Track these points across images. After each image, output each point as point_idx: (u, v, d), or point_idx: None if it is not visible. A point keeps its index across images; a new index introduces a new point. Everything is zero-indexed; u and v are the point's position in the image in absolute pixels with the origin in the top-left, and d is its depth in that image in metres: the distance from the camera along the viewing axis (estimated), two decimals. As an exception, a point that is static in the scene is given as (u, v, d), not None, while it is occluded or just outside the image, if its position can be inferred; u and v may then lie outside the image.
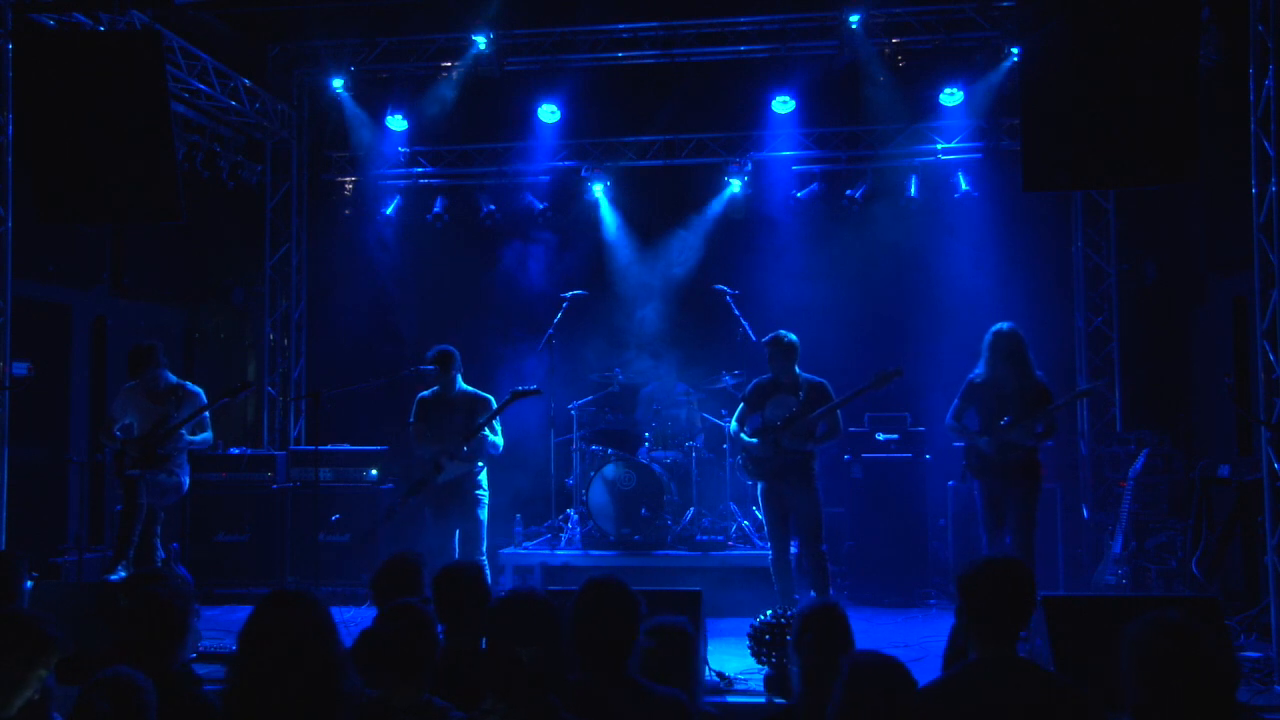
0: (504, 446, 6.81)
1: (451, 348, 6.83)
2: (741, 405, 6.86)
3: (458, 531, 6.73)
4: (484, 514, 6.77)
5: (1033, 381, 6.34)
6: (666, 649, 3.39)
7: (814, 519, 6.61)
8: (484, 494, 6.78)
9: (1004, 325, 6.39)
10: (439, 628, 3.40)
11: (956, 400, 6.51)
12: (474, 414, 6.67)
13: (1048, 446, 6.48)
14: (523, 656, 2.78)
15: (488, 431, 6.62)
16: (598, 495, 7.95)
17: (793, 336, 6.67)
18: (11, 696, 3.00)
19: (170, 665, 3.34)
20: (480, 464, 6.72)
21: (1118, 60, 5.70)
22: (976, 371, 6.45)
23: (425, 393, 6.90)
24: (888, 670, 2.73)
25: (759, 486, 6.80)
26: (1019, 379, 6.31)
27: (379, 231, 10.18)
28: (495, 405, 6.71)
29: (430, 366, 6.95)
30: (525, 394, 6.66)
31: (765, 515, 6.82)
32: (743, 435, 6.73)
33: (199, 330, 10.41)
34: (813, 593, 6.67)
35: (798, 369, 6.68)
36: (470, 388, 6.89)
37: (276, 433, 10.00)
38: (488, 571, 6.82)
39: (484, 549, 6.83)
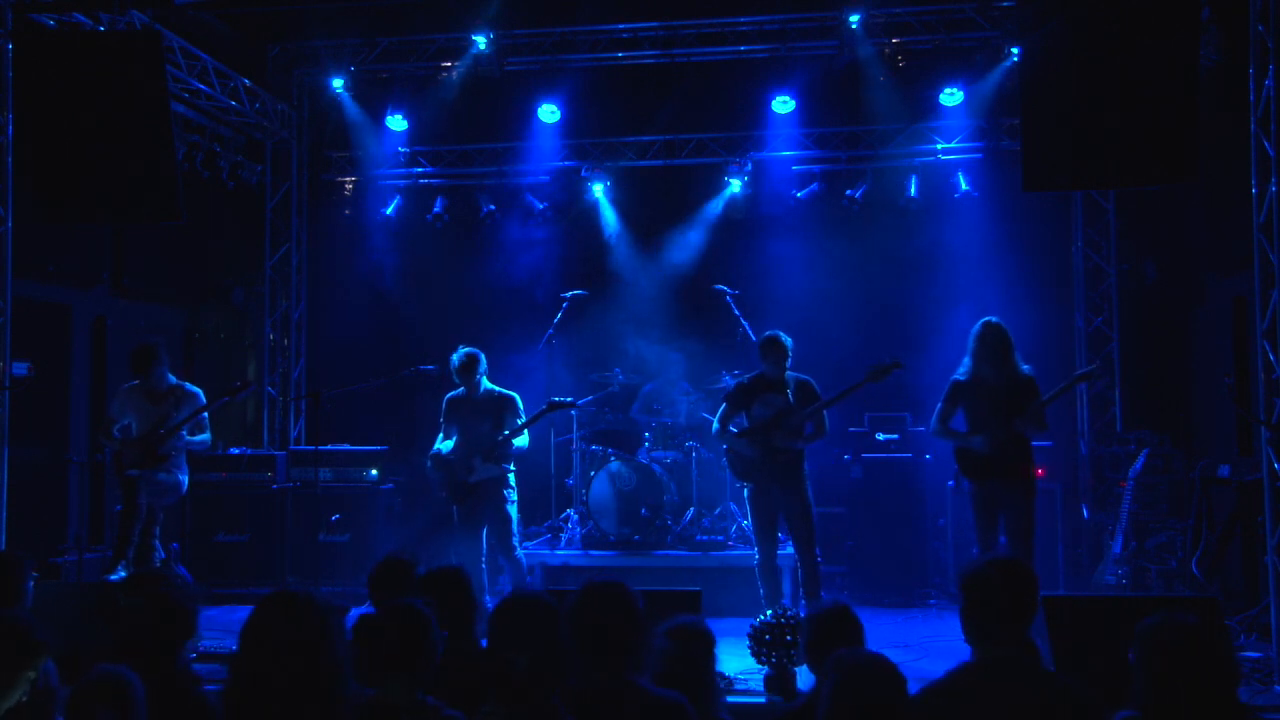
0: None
1: (477, 350, 6.83)
2: (724, 405, 6.75)
3: (485, 530, 6.80)
4: (514, 511, 6.85)
5: (1019, 375, 6.15)
6: (687, 650, 3.36)
7: (807, 521, 6.53)
8: (513, 493, 6.84)
9: (987, 319, 6.22)
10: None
11: (941, 404, 6.29)
12: (502, 414, 6.74)
13: (1046, 446, 6.43)
14: (520, 660, 2.77)
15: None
16: (598, 495, 7.95)
17: (788, 338, 6.59)
18: None
19: (174, 665, 3.34)
20: (509, 466, 6.79)
21: (1118, 60, 5.69)
22: (960, 370, 6.27)
23: (453, 393, 6.92)
24: (877, 669, 2.73)
25: (746, 489, 6.71)
26: (1005, 373, 6.12)
27: (379, 231, 10.17)
28: (520, 403, 6.82)
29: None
30: (561, 406, 6.91)
31: (753, 518, 6.70)
32: (731, 434, 6.63)
33: (199, 330, 10.41)
34: (801, 594, 6.61)
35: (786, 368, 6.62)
36: (496, 387, 6.91)
37: (276, 433, 10.00)
38: (524, 566, 7.03)
39: (516, 546, 6.90)
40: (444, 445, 6.87)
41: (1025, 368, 6.21)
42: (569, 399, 7.00)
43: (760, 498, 6.63)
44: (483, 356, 6.83)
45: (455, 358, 6.80)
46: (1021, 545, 6.04)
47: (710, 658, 3.46)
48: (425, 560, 4.23)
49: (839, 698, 2.66)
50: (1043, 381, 6.24)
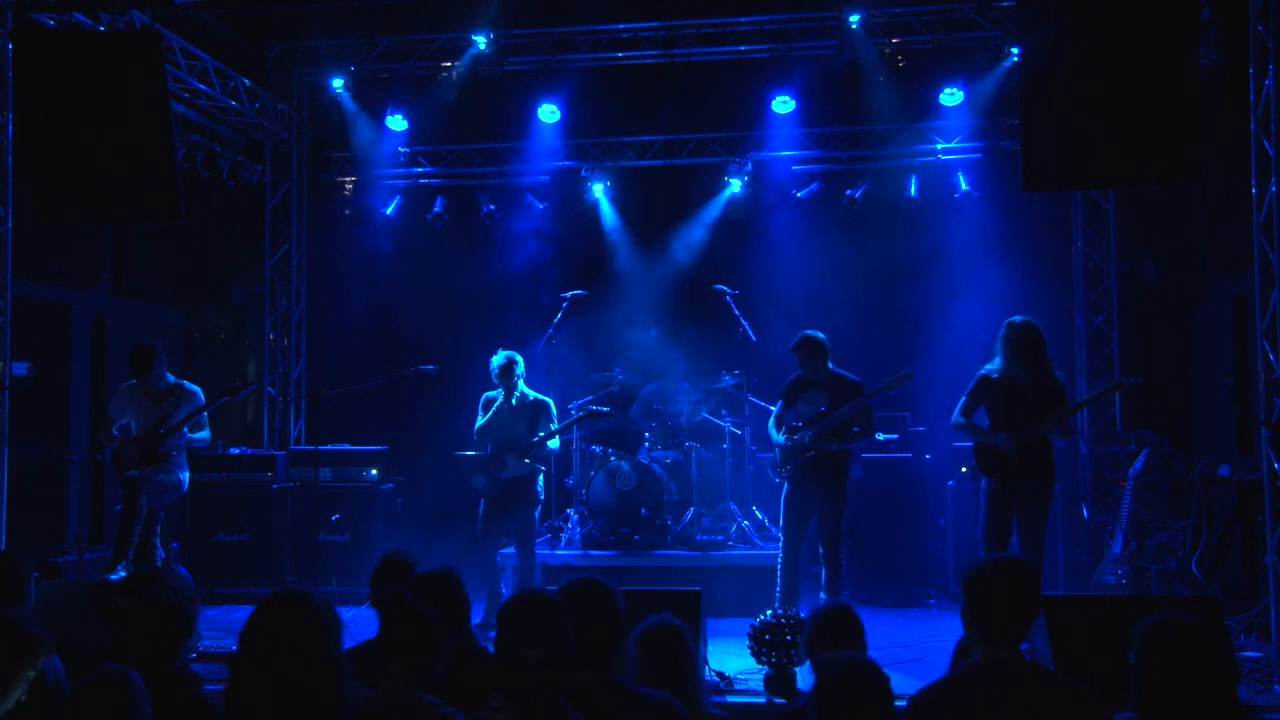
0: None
1: (516, 354, 7.13)
2: (779, 403, 6.73)
3: (511, 527, 7.22)
4: (538, 513, 7.28)
5: (1051, 379, 6.09)
6: (658, 652, 3.34)
7: (836, 521, 6.48)
8: (541, 493, 7.21)
9: (1020, 318, 6.15)
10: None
11: (965, 397, 6.18)
12: (537, 418, 7.07)
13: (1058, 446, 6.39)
14: (528, 657, 2.78)
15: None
16: (598, 495, 7.96)
17: (820, 335, 6.56)
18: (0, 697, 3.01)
19: (172, 665, 3.34)
20: (541, 466, 7.12)
21: (1118, 60, 5.69)
22: (990, 366, 6.17)
23: (490, 394, 7.17)
24: (861, 672, 2.72)
25: (784, 486, 6.64)
26: (1036, 375, 6.04)
27: (379, 231, 10.18)
28: (554, 408, 7.17)
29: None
30: (596, 415, 7.34)
31: (784, 515, 6.63)
32: (774, 435, 6.62)
33: (199, 330, 10.41)
34: (822, 595, 6.60)
35: (830, 365, 6.58)
36: (531, 392, 7.17)
37: (276, 433, 10.00)
38: (538, 565, 7.39)
39: (535, 544, 7.37)
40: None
41: (1058, 373, 6.17)
42: (605, 409, 7.34)
43: (794, 496, 6.58)
44: (520, 360, 7.12)
45: (495, 361, 7.08)
46: (1033, 548, 6.01)
47: (684, 652, 3.42)
48: (426, 560, 4.25)
49: (823, 702, 2.66)
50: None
